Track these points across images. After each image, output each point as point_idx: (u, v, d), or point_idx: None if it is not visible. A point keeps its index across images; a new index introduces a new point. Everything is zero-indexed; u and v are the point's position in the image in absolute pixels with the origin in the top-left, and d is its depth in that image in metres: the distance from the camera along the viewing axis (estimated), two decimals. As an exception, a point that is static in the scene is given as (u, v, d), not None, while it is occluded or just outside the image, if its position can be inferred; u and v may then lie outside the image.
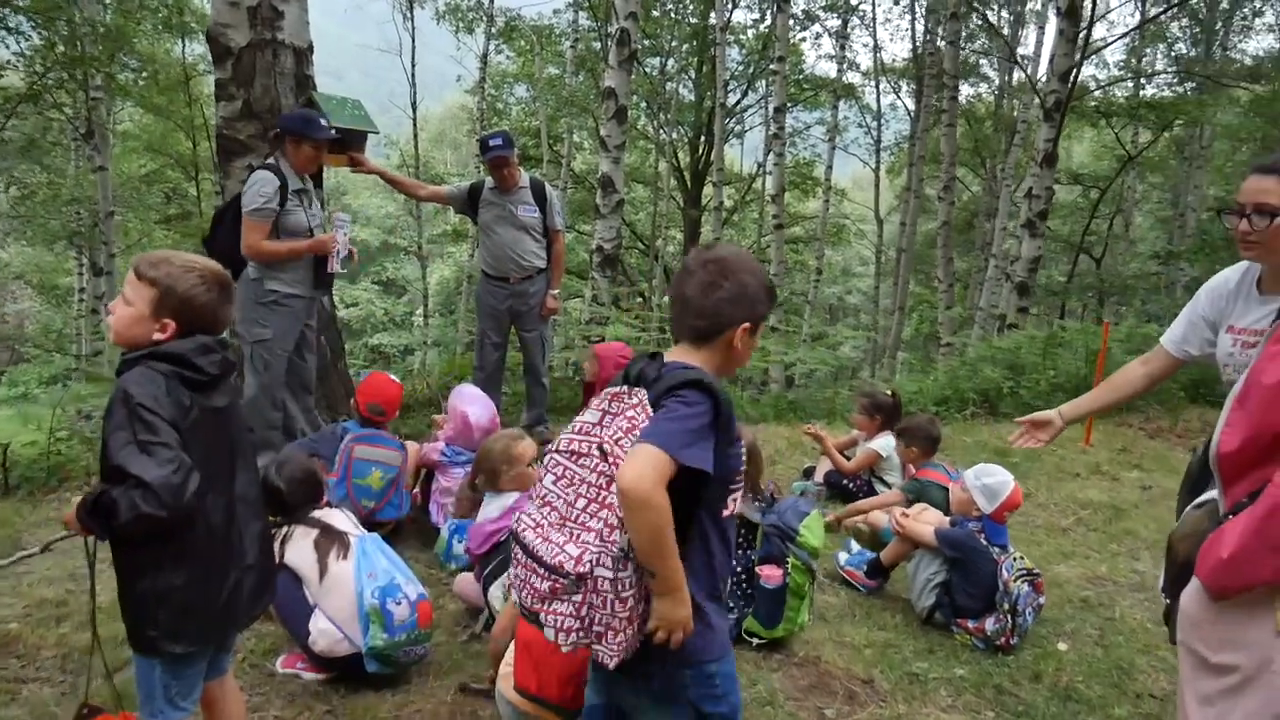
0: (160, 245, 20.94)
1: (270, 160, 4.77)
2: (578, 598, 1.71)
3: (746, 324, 1.90)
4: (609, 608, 1.71)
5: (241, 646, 3.30)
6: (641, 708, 1.96)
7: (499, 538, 3.36)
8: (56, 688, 3.14)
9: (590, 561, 1.69)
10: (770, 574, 3.46)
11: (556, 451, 1.85)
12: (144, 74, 17.09)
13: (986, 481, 3.77)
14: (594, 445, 1.78)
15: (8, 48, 13.18)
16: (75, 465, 5.80)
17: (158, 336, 2.15)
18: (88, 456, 6.04)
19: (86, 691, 2.54)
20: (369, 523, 4.10)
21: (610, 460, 1.75)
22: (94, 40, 13.61)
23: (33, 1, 12.25)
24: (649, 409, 1.78)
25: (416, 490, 4.62)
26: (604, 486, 1.74)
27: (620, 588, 1.70)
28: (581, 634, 1.73)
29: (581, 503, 1.76)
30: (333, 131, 5.08)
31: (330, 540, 3.20)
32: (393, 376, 4.68)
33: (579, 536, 1.73)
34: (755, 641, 3.50)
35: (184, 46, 18.26)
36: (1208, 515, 2.12)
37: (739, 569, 3.57)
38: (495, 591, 3.27)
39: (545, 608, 1.74)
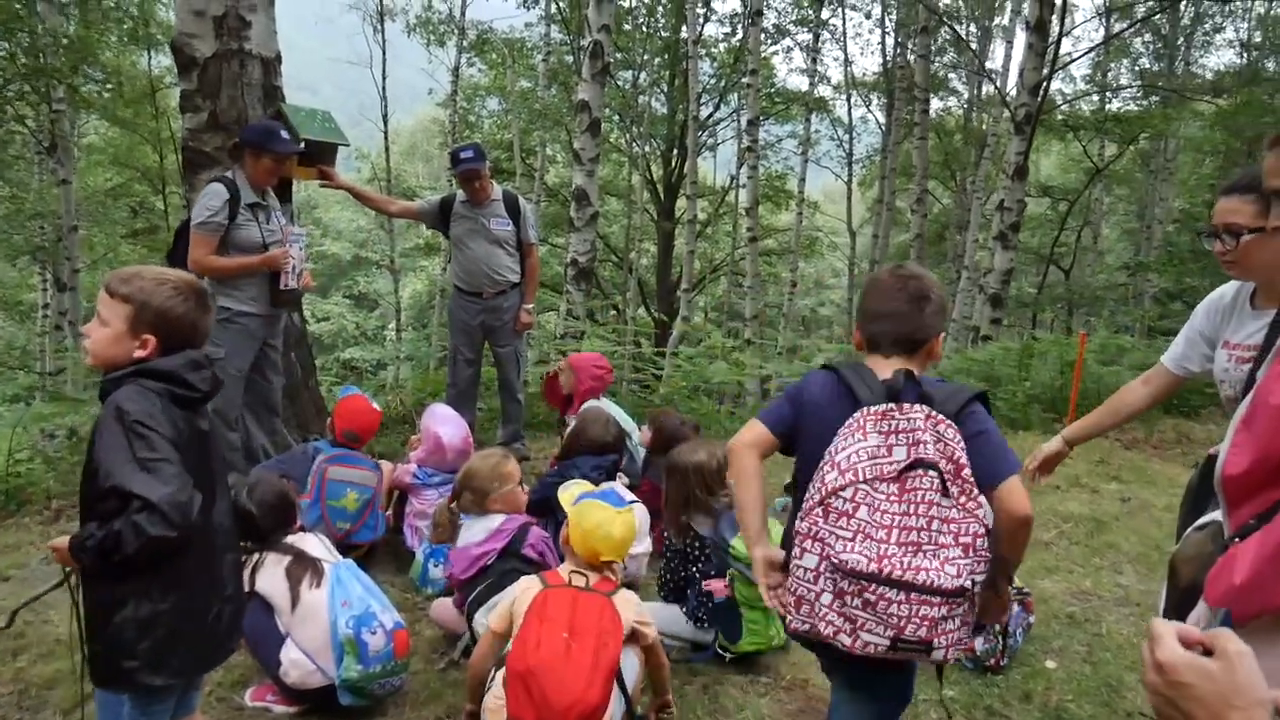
0: (126, 260, 20.60)
1: (227, 174, 4.65)
2: (961, 611, 1.90)
3: (942, 333, 2.18)
4: (970, 613, 1.93)
5: (209, 679, 3.17)
6: (876, 686, 2.20)
7: (486, 561, 3.27)
8: (12, 725, 2.99)
9: (967, 575, 1.87)
10: (715, 587, 3.44)
11: (861, 483, 1.90)
12: (109, 86, 16.81)
13: None
14: (936, 468, 1.90)
15: (-35, 58, 12.94)
16: (36, 488, 5.61)
17: (139, 354, 2.08)
18: (49, 478, 5.85)
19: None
20: (344, 545, 3.99)
21: (950, 479, 1.90)
22: (56, 51, 13.37)
23: (-8, 12, 12.02)
24: (949, 424, 1.94)
25: (389, 513, 4.50)
26: (952, 504, 1.90)
27: (978, 593, 1.93)
28: (962, 643, 1.93)
29: (935, 524, 1.88)
30: (300, 145, 4.98)
31: (303, 567, 3.08)
32: (373, 403, 4.54)
33: (944, 555, 1.87)
34: (727, 656, 3.47)
35: (150, 58, 17.99)
36: (1210, 538, 2.06)
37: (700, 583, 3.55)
38: (480, 618, 3.16)
39: (938, 631, 1.88)
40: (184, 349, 2.14)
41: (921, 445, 1.91)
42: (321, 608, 2.98)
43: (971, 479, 1.92)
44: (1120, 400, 2.95)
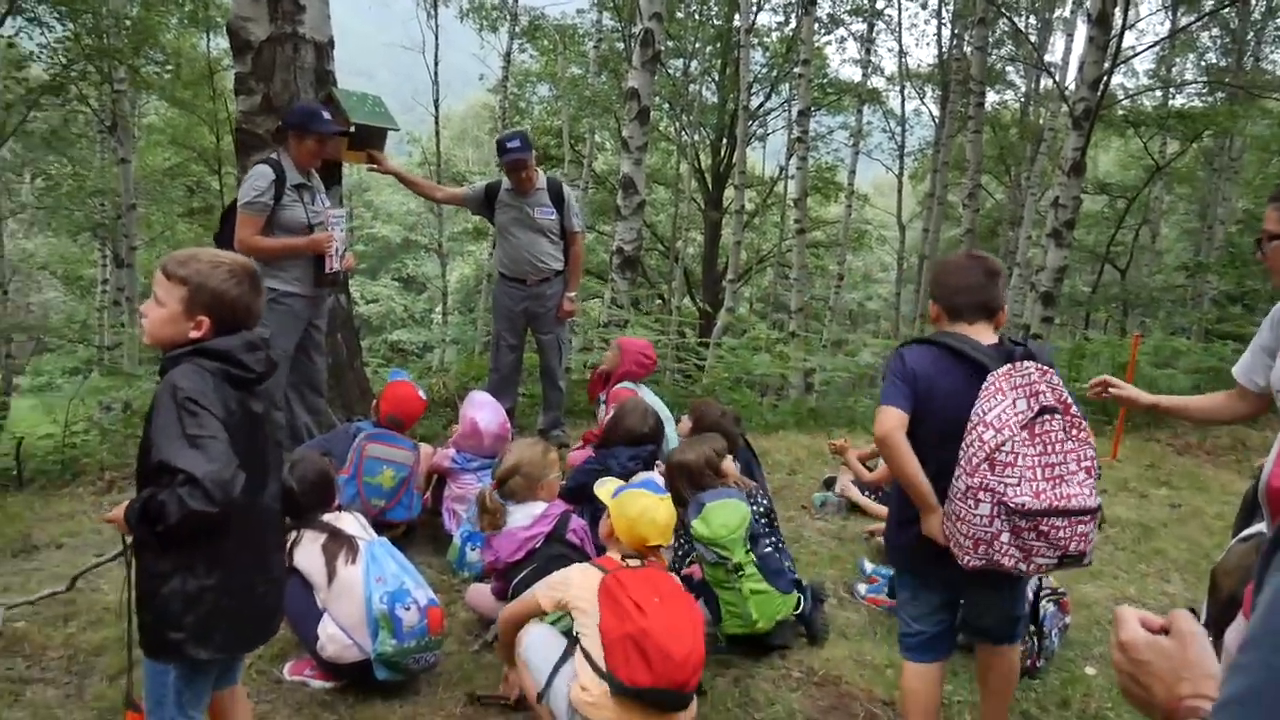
0: (183, 238, 21.07)
1: (273, 155, 4.72)
2: (1096, 520, 2.36)
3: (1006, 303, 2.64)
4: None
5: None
6: (989, 592, 2.67)
7: (534, 544, 3.30)
8: (61, 689, 3.09)
9: (1096, 492, 2.36)
10: (689, 571, 3.63)
11: (1014, 436, 2.29)
12: (168, 67, 17.15)
13: None
14: (1057, 410, 2.34)
15: (32, 39, 13.25)
16: (91, 459, 5.77)
17: (194, 335, 2.13)
18: (103, 450, 6.02)
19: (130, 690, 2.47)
20: (378, 523, 4.06)
21: (1065, 417, 2.35)
22: (119, 33, 13.66)
23: (59, -6, 12.32)
24: (1053, 371, 2.40)
25: (427, 495, 4.54)
26: (1074, 437, 2.35)
27: None
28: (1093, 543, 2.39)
29: (1067, 458, 2.32)
30: (348, 127, 5.04)
31: (339, 544, 3.13)
32: (420, 391, 4.58)
33: (1078, 480, 2.32)
34: (721, 642, 3.50)
35: (208, 40, 18.30)
36: (1254, 549, 2.01)
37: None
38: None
39: (1088, 541, 2.34)
40: (238, 330, 2.18)
41: (1041, 394, 2.32)
42: (357, 584, 3.03)
43: (1079, 414, 2.38)
44: (1208, 400, 2.81)
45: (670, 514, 2.97)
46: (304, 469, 3.33)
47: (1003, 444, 2.28)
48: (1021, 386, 2.33)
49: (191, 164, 21.13)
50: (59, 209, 17.71)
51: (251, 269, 2.26)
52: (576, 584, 2.74)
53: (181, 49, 17.96)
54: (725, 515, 3.43)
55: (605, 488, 3.16)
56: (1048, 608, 3.52)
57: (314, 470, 3.35)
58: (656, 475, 4.27)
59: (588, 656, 2.63)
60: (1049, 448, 2.30)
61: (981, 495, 2.30)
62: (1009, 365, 2.37)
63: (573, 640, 2.73)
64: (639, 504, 2.89)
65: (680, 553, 3.83)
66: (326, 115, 4.75)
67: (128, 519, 2.03)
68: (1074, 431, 2.35)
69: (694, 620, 2.75)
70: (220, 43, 18.02)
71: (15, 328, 22.08)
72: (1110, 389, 2.90)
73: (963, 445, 2.35)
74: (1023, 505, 2.26)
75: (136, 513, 1.98)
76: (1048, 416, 2.31)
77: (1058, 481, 2.29)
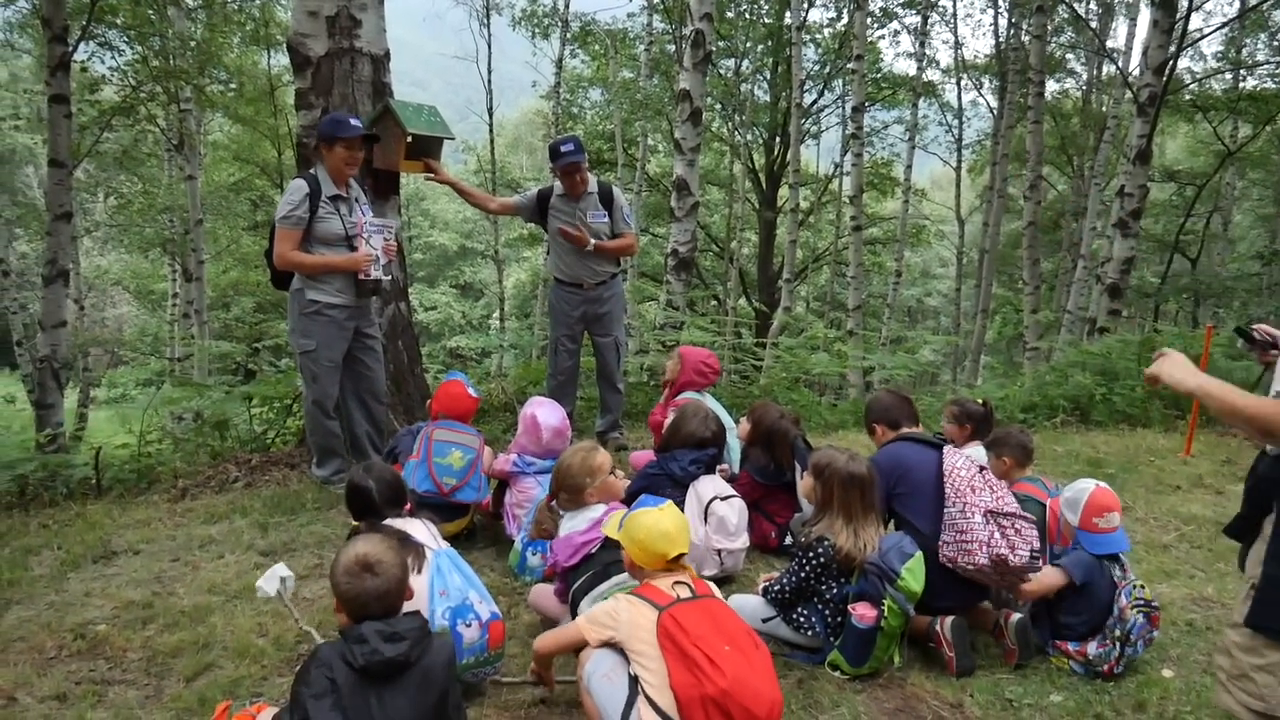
0: (247, 251, 21.64)
1: (310, 170, 4.80)
2: None
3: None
4: None
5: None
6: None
7: (590, 549, 3.29)
8: (141, 690, 3.18)
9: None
10: (864, 614, 3.25)
11: (978, 470, 3.63)
12: (232, 86, 17.66)
13: (1066, 496, 3.69)
14: (984, 466, 3.68)
15: (103, 63, 13.74)
16: (165, 468, 5.96)
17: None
18: (176, 459, 6.21)
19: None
20: (450, 507, 4.17)
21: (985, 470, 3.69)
22: (184, 54, 14.10)
23: (127, 18, 12.74)
24: None
25: (488, 498, 4.58)
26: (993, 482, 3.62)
27: None
28: None
29: (1001, 488, 3.61)
30: (409, 138, 5.12)
31: (406, 551, 3.16)
32: (470, 389, 4.62)
33: (1007, 500, 3.52)
34: (838, 674, 3.34)
35: (269, 58, 18.81)
36: None
37: (829, 598, 3.43)
38: (585, 605, 3.16)
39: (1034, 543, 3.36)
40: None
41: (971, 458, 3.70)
42: (422, 594, 3.04)
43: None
44: None
45: (676, 518, 2.83)
46: (380, 469, 3.38)
47: (971, 478, 3.47)
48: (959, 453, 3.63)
49: (255, 179, 21.75)
50: (130, 226, 18.37)
51: (368, 562, 2.39)
52: (626, 622, 2.62)
53: (243, 67, 18.48)
54: (921, 569, 3.32)
55: (609, 526, 3.14)
56: (1137, 618, 3.40)
57: (388, 472, 3.39)
58: (718, 479, 4.27)
59: (655, 708, 2.48)
60: (988, 481, 3.52)
61: (970, 511, 3.39)
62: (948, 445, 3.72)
63: (633, 680, 2.57)
64: (643, 523, 2.79)
65: (830, 570, 3.46)
66: (353, 121, 4.78)
67: None
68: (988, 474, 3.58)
69: (766, 666, 2.60)
70: (280, 60, 18.53)
71: (91, 341, 22.94)
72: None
73: (948, 485, 3.47)
74: (1000, 508, 3.40)
75: None
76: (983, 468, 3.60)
77: (1001, 498, 3.46)
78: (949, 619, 3.39)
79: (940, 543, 3.44)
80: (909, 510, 3.58)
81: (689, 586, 2.72)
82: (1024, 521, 3.34)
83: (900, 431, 3.93)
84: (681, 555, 2.79)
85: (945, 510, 3.44)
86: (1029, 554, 3.26)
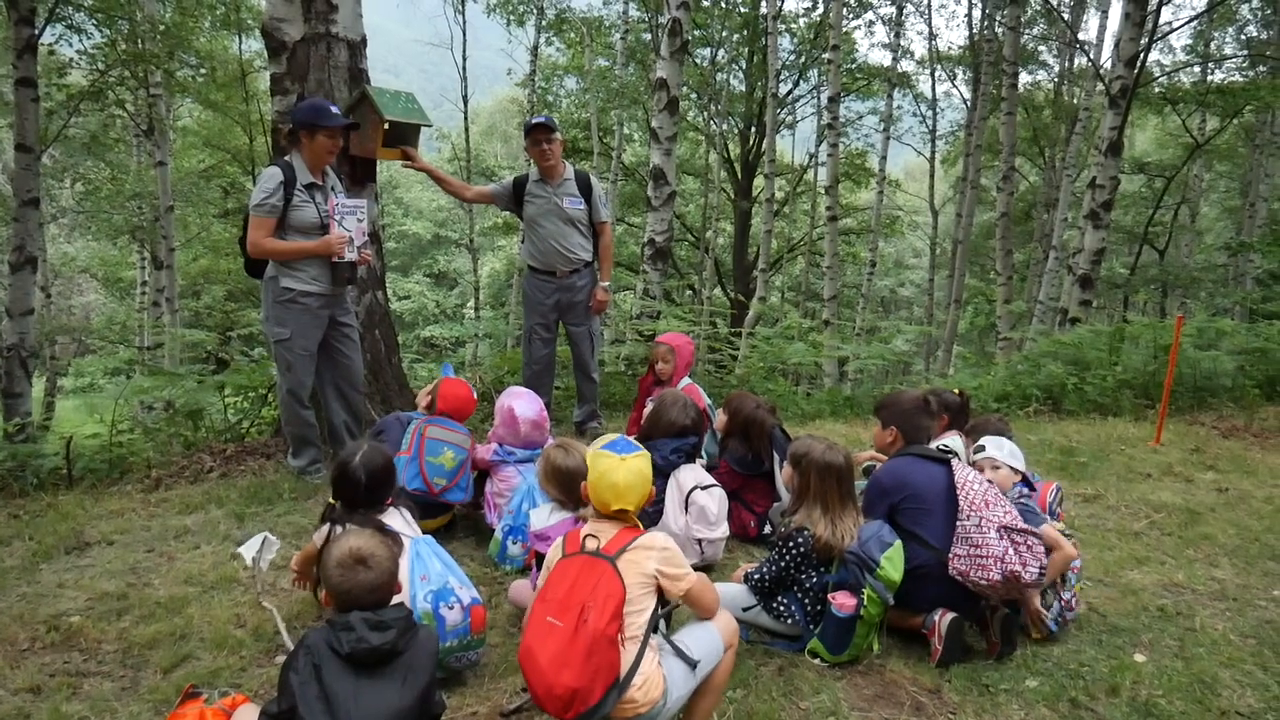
0: (218, 239, 21.35)
1: (285, 157, 4.74)
2: None
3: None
4: None
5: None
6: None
7: None
8: (117, 682, 3.14)
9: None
10: (844, 602, 3.28)
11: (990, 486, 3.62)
12: (202, 70, 17.39)
13: (1005, 449, 3.99)
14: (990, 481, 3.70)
15: (71, 46, 13.48)
16: (137, 458, 5.88)
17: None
18: (148, 448, 6.13)
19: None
20: (434, 505, 4.16)
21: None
22: (154, 38, 13.87)
23: (96, 1, 12.50)
24: None
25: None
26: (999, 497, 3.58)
27: None
28: None
29: (1005, 501, 3.56)
30: (386, 125, 5.08)
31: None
32: (473, 391, 4.66)
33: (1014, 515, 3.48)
34: (818, 662, 3.38)
35: (241, 43, 18.53)
36: None
37: (809, 586, 3.46)
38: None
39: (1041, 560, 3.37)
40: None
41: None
42: (403, 580, 3.04)
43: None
44: None
45: (631, 475, 2.68)
46: (372, 456, 3.28)
47: (985, 492, 3.49)
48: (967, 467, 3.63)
49: (226, 165, 21.42)
50: (99, 213, 18.04)
51: (361, 555, 2.41)
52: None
53: (214, 52, 18.20)
54: (900, 558, 3.34)
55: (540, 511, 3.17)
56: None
57: (382, 458, 3.31)
58: (697, 468, 4.28)
59: None
60: (998, 495, 3.52)
61: (986, 526, 3.39)
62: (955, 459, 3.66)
63: None
64: (600, 465, 2.71)
65: (809, 560, 3.49)
66: (334, 109, 4.73)
67: None
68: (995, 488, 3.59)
69: (582, 650, 2.39)
70: (252, 45, 18.26)
71: (58, 330, 22.56)
72: None
73: (961, 498, 3.47)
74: (1013, 524, 3.38)
75: None
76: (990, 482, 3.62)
77: (1010, 513, 3.45)
78: (949, 615, 3.41)
79: (951, 555, 3.43)
80: (917, 524, 3.52)
81: (599, 540, 2.62)
82: (1034, 538, 3.35)
83: (909, 447, 3.86)
84: (625, 510, 2.68)
85: (959, 523, 3.44)
86: (1039, 570, 3.30)
